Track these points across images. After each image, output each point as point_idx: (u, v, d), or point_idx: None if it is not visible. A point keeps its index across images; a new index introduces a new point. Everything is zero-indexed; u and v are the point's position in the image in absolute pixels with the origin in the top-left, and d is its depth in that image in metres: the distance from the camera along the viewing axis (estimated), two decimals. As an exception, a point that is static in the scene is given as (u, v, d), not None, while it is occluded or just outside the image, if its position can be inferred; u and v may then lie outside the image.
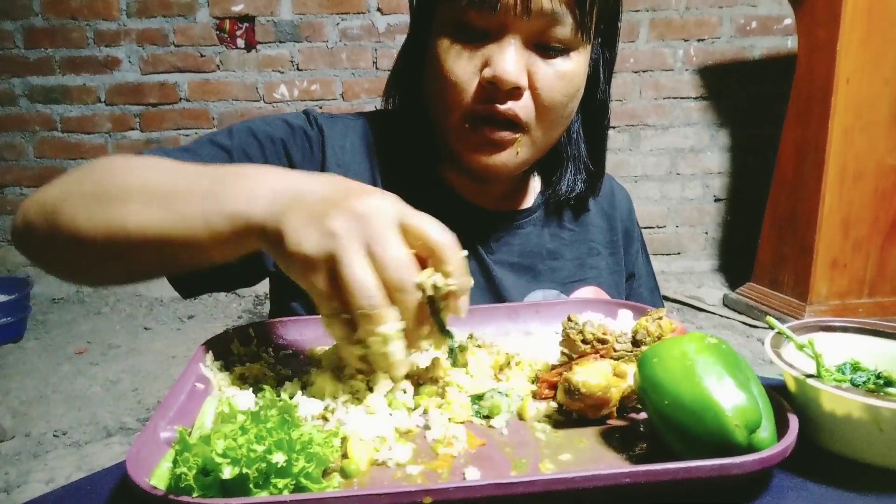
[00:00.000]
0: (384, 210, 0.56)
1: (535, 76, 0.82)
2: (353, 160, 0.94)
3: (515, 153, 0.86)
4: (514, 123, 0.84)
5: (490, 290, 0.95)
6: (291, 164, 0.90)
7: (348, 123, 0.97)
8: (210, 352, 0.68)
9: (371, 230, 0.55)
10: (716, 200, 3.78)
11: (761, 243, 3.22)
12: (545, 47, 0.82)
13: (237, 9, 3.45)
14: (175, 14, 3.44)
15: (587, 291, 1.00)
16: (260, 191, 0.60)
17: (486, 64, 0.80)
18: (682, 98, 3.66)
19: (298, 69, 3.52)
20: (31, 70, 3.45)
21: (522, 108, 0.83)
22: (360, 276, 0.53)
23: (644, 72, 3.62)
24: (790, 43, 3.53)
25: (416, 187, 0.94)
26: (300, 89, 3.54)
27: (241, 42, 3.49)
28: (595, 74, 0.93)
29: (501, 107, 0.82)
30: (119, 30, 3.45)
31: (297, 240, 0.55)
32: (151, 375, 2.62)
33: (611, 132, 3.63)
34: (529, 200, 1.03)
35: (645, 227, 3.71)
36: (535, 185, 1.04)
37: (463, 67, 0.82)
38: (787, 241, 3.04)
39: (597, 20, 0.85)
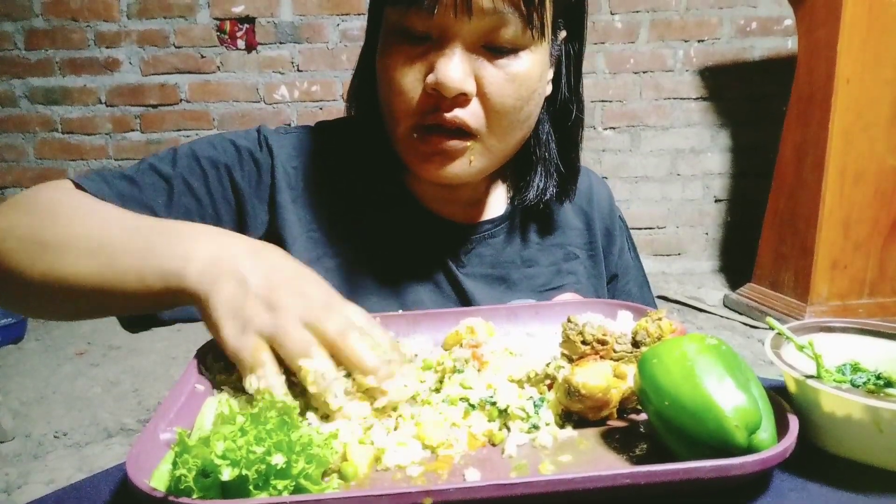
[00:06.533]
0: (316, 297, 0.61)
1: (483, 80, 0.77)
2: (309, 180, 0.90)
3: (468, 162, 0.81)
4: (464, 131, 0.79)
5: (461, 305, 0.91)
6: (236, 191, 0.87)
7: (303, 139, 0.93)
8: (210, 353, 0.68)
9: (304, 312, 0.58)
10: (716, 201, 3.78)
11: (761, 244, 3.22)
12: (493, 49, 0.77)
13: (237, 10, 3.46)
14: (175, 15, 3.45)
15: (565, 298, 0.94)
16: (195, 254, 0.63)
17: (430, 70, 0.76)
18: (682, 99, 3.66)
19: (299, 70, 3.53)
20: (31, 71, 3.46)
21: (471, 115, 0.78)
22: (294, 335, 0.58)
23: (644, 72, 3.62)
24: (790, 44, 3.53)
25: (380, 200, 0.91)
26: (301, 90, 3.55)
27: (241, 43, 3.49)
28: (559, 71, 0.89)
29: (448, 115, 0.77)
30: (119, 31, 3.45)
31: (219, 320, 0.59)
32: (152, 376, 2.62)
33: (611, 133, 3.64)
34: (500, 207, 0.98)
35: (645, 228, 3.72)
36: (506, 189, 0.99)
37: (407, 75, 0.77)
38: (787, 241, 3.04)
39: (553, 15, 0.81)
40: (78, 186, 0.79)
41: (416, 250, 0.91)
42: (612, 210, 1.07)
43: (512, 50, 0.77)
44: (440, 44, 0.76)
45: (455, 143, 0.80)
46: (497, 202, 0.98)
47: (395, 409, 0.60)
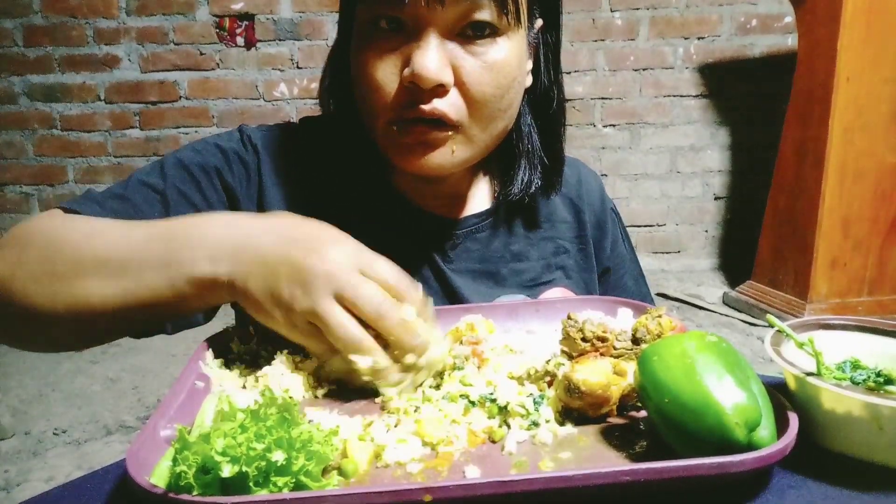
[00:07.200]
0: (342, 262, 0.61)
1: (460, 70, 0.76)
2: (294, 180, 0.89)
3: (451, 152, 0.80)
4: (444, 122, 0.78)
5: (449, 301, 0.90)
6: (229, 193, 0.86)
7: (287, 136, 0.92)
8: (210, 350, 0.68)
9: (337, 283, 0.60)
10: (716, 199, 3.78)
11: (761, 241, 3.22)
12: (469, 37, 0.75)
13: (237, 7, 3.45)
14: (175, 12, 3.44)
15: (555, 293, 0.95)
16: (219, 249, 0.63)
17: (406, 63, 0.75)
18: (682, 96, 3.65)
19: (298, 67, 3.52)
20: (30, 68, 3.45)
21: (450, 105, 0.76)
22: (340, 325, 0.59)
23: (644, 70, 3.62)
24: (790, 41, 3.53)
25: (365, 196, 0.90)
26: (300, 87, 3.54)
27: (240, 40, 3.49)
28: (538, 61, 0.88)
29: (426, 107, 0.76)
30: (119, 28, 3.45)
31: (271, 305, 0.61)
32: (151, 373, 2.62)
33: (610, 130, 3.63)
34: (486, 201, 0.97)
35: (645, 226, 3.71)
36: (490, 183, 0.98)
37: (383, 69, 0.76)
38: (787, 239, 3.04)
39: (528, 1, 0.80)
40: (69, 212, 0.78)
41: (401, 246, 0.89)
42: (603, 200, 1.05)
43: (488, 37, 0.76)
44: (414, 35, 0.75)
45: (436, 134, 0.78)
46: (482, 196, 0.97)
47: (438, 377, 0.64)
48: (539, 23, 0.86)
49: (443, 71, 0.74)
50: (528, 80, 0.87)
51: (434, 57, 0.73)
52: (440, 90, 0.76)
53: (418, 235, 0.91)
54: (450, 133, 0.79)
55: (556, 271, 0.97)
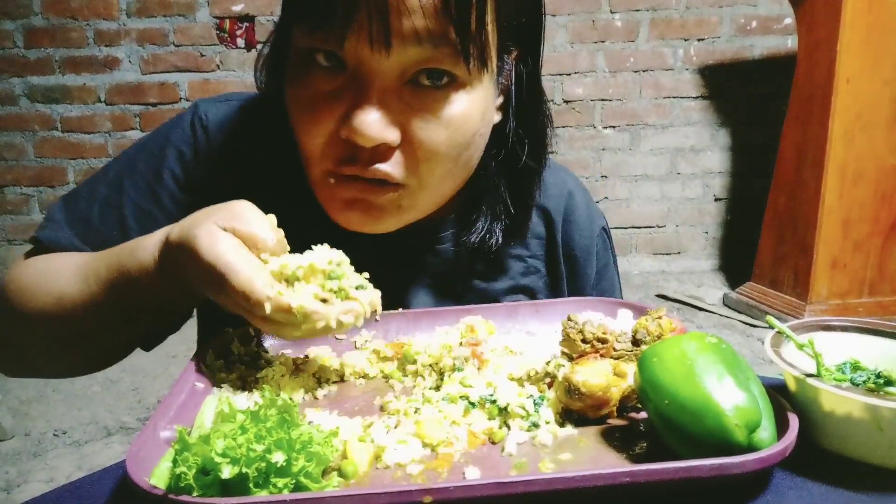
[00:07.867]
0: (222, 263, 0.57)
1: (409, 125, 0.64)
2: (242, 167, 0.81)
3: (397, 208, 0.70)
4: (388, 181, 0.67)
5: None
6: (186, 187, 0.82)
7: (245, 120, 0.83)
8: (210, 351, 0.68)
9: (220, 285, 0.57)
10: (716, 200, 3.78)
11: (761, 243, 3.22)
12: (423, 86, 0.64)
13: (237, 8, 3.45)
14: (175, 14, 3.45)
15: None
16: (151, 295, 0.67)
17: (346, 110, 0.64)
18: (682, 98, 3.65)
19: (298, 69, 3.52)
20: (31, 70, 3.45)
21: (395, 166, 0.66)
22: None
23: (644, 71, 3.62)
24: (790, 42, 3.53)
25: (318, 202, 0.77)
26: (300, 89, 3.54)
27: (241, 42, 3.49)
28: (507, 101, 0.76)
29: (368, 168, 0.65)
30: (119, 29, 3.45)
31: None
32: (151, 375, 2.62)
33: (610, 132, 3.63)
34: (450, 210, 0.86)
35: (645, 227, 3.71)
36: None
37: (318, 116, 0.65)
38: (787, 240, 3.04)
39: (498, 38, 0.68)
40: (36, 245, 0.80)
41: (357, 258, 0.80)
42: (592, 220, 0.93)
43: (446, 87, 0.65)
44: (356, 80, 0.63)
45: (379, 195, 0.68)
46: (448, 206, 0.84)
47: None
48: (513, 54, 0.74)
49: (386, 129, 0.63)
50: (496, 118, 0.77)
51: (376, 113, 0.62)
52: (383, 148, 0.65)
53: (374, 247, 0.79)
54: (394, 195, 0.69)
55: (523, 293, 0.89)
